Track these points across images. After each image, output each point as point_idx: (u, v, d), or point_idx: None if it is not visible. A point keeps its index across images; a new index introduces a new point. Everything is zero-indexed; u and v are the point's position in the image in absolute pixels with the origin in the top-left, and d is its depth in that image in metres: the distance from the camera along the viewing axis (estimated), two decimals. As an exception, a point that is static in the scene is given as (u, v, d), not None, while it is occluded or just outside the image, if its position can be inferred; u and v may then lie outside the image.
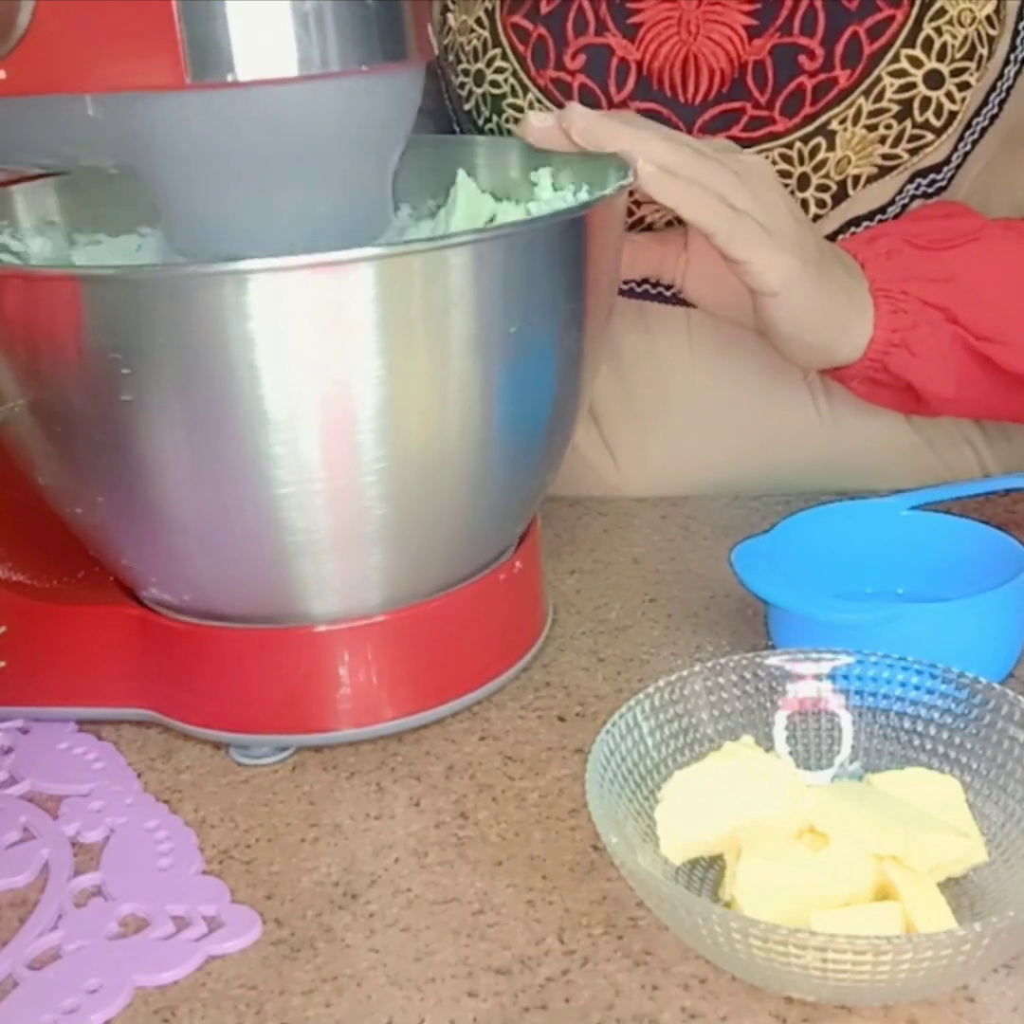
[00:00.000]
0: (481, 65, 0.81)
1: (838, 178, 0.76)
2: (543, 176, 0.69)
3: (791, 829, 0.51)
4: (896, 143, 0.76)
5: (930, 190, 0.78)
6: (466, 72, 0.82)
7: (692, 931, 0.46)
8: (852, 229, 0.78)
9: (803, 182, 0.77)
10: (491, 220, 0.70)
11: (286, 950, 0.51)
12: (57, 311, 0.54)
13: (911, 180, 0.77)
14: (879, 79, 0.74)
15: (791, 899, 0.48)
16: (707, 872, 0.52)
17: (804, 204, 0.77)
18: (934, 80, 0.74)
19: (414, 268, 0.54)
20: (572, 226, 0.58)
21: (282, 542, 0.58)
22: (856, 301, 0.70)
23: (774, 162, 0.76)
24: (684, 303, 0.81)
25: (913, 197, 0.78)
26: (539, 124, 0.66)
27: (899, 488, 0.74)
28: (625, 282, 0.82)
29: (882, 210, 0.78)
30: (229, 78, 0.51)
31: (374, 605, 0.61)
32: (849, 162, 0.76)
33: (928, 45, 0.74)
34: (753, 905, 0.48)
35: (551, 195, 0.68)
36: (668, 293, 0.81)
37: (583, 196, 0.67)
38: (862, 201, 0.77)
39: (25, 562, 0.67)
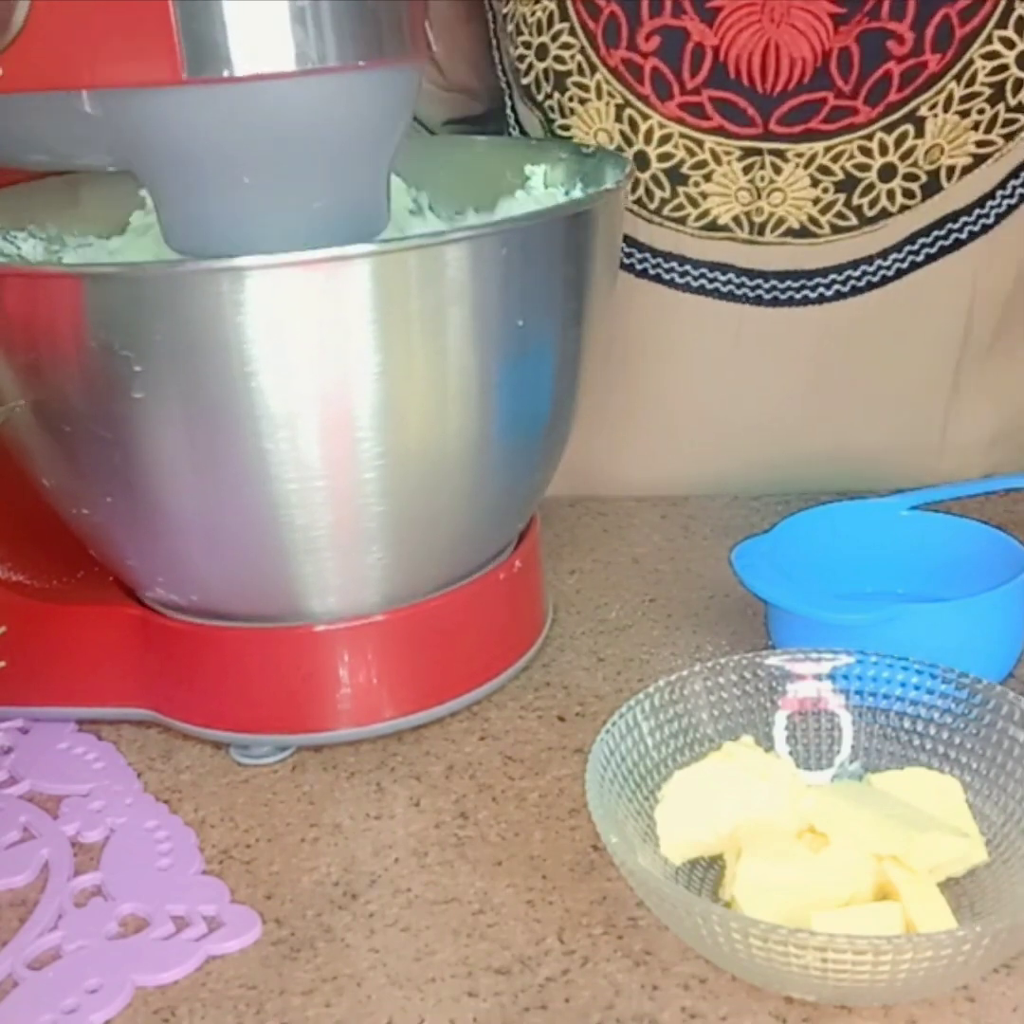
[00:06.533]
0: (545, 39, 0.78)
1: (929, 168, 0.75)
2: (537, 172, 0.69)
3: (791, 829, 0.51)
4: (990, 128, 0.74)
5: None
6: (527, 45, 0.79)
7: (692, 931, 0.46)
8: (949, 225, 0.77)
9: (887, 173, 0.75)
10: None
11: (286, 950, 0.51)
12: (66, 309, 0.54)
13: (1015, 174, 0.76)
14: (971, 62, 0.73)
15: (791, 899, 0.48)
16: (707, 872, 0.52)
17: (889, 195, 0.76)
18: None
19: (411, 264, 0.54)
20: (571, 221, 0.58)
21: (283, 540, 0.58)
22: None
23: (851, 155, 0.75)
24: (700, 292, 0.80)
25: (1019, 196, 0.76)
26: None
27: (899, 488, 0.74)
28: (640, 260, 0.81)
29: (981, 203, 0.76)
30: (226, 73, 0.51)
31: (374, 604, 0.61)
32: (941, 151, 0.74)
33: (1021, 25, 0.72)
34: (753, 905, 0.48)
35: (543, 192, 0.68)
36: (680, 281, 0.81)
37: (577, 193, 0.67)
38: (958, 194, 0.76)
39: (25, 562, 0.67)
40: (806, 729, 0.56)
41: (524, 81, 0.80)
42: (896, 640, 0.57)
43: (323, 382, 0.54)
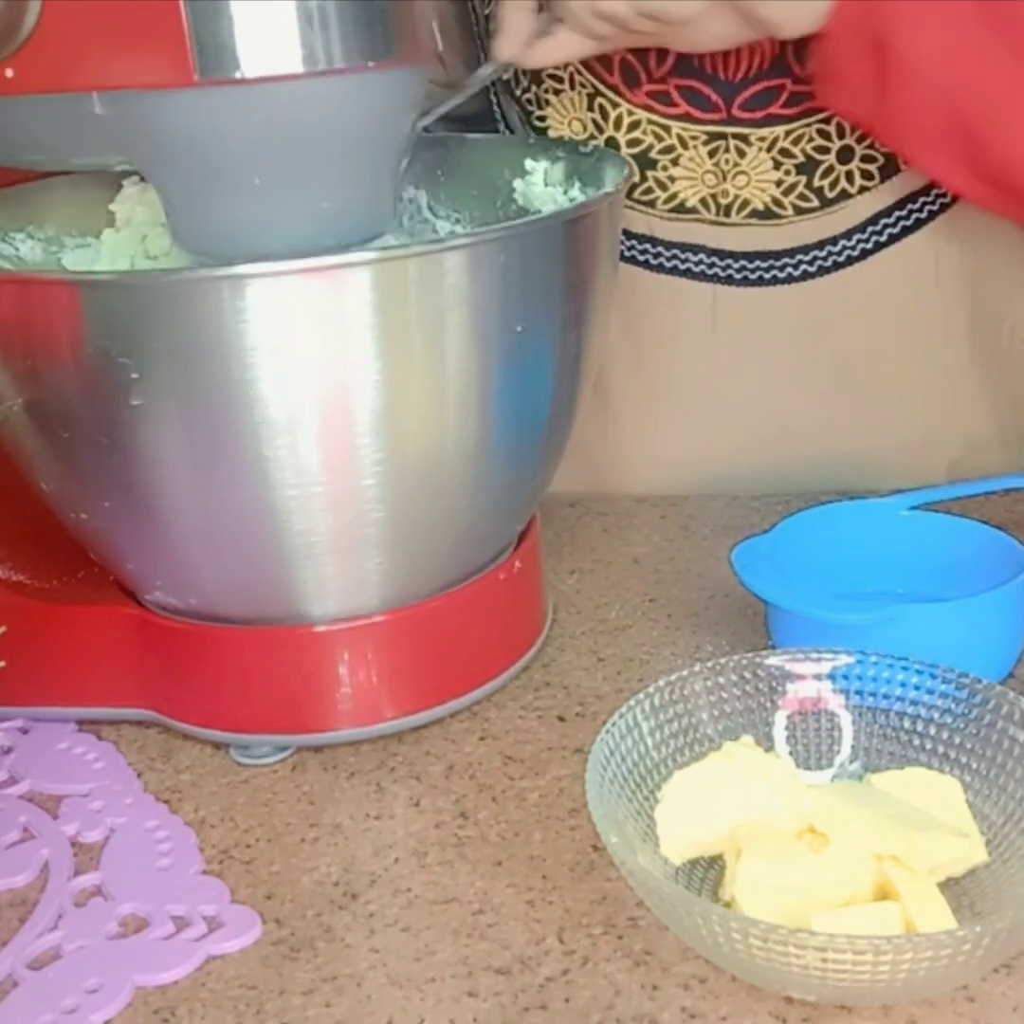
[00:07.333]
0: None
1: (886, 149, 0.76)
2: (537, 171, 0.69)
3: (791, 829, 0.51)
4: None
5: None
6: None
7: (692, 931, 0.46)
8: (909, 206, 0.78)
9: (845, 155, 0.77)
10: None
11: (286, 950, 0.51)
12: (64, 316, 0.54)
13: None
14: None
15: (791, 899, 0.48)
16: (707, 872, 0.52)
17: (848, 176, 0.77)
18: None
19: (411, 271, 0.54)
20: (571, 225, 0.58)
21: (282, 545, 0.58)
22: None
23: (810, 138, 0.77)
24: (673, 272, 0.81)
25: None
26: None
27: (899, 488, 0.74)
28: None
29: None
30: (236, 75, 0.51)
31: (374, 605, 0.61)
32: None
33: None
34: (753, 905, 0.48)
35: (543, 190, 0.68)
36: (654, 262, 0.81)
37: (575, 193, 0.67)
38: (917, 174, 0.76)
39: (25, 562, 0.67)
40: (806, 729, 0.56)
41: (505, 76, 0.82)
42: (896, 640, 0.57)
43: (323, 388, 0.55)
